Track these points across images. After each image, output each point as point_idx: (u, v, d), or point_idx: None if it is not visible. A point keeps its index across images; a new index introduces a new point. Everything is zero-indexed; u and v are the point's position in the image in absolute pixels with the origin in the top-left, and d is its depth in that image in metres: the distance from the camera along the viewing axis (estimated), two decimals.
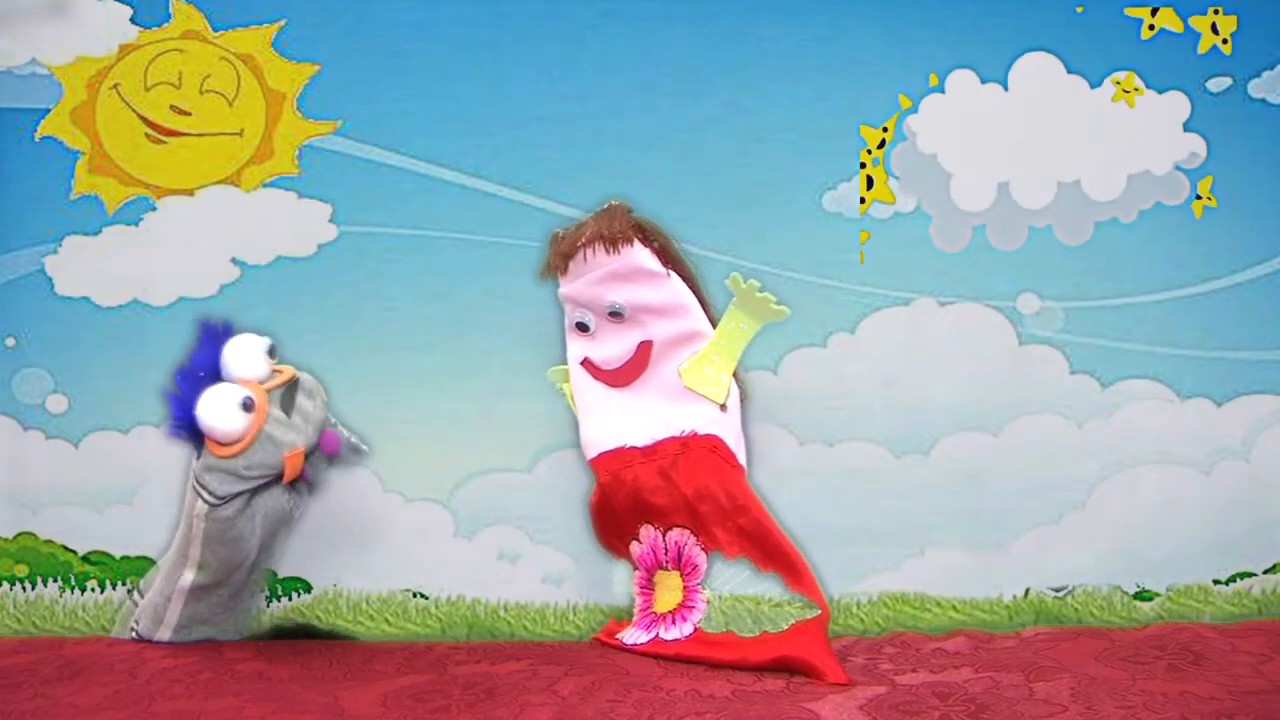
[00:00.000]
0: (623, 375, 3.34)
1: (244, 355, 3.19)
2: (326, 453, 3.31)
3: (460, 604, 3.49)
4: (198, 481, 3.15)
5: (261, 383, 3.16)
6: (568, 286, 3.35)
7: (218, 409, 3.08)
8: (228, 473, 3.12)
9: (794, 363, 3.50)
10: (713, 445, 3.28)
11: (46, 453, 3.49)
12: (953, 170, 3.46)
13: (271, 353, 3.22)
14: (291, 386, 3.22)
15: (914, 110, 3.46)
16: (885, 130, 3.46)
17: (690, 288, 3.36)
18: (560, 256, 3.34)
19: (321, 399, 3.26)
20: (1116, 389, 3.48)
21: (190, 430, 3.11)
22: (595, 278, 3.30)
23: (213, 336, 3.21)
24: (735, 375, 3.33)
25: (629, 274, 3.30)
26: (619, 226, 3.31)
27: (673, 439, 3.29)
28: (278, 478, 3.17)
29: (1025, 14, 3.46)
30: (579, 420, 3.37)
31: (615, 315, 3.31)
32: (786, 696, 2.93)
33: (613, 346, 3.34)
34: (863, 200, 3.47)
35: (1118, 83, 3.44)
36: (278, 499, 3.24)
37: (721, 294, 3.35)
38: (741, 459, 3.32)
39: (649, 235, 3.33)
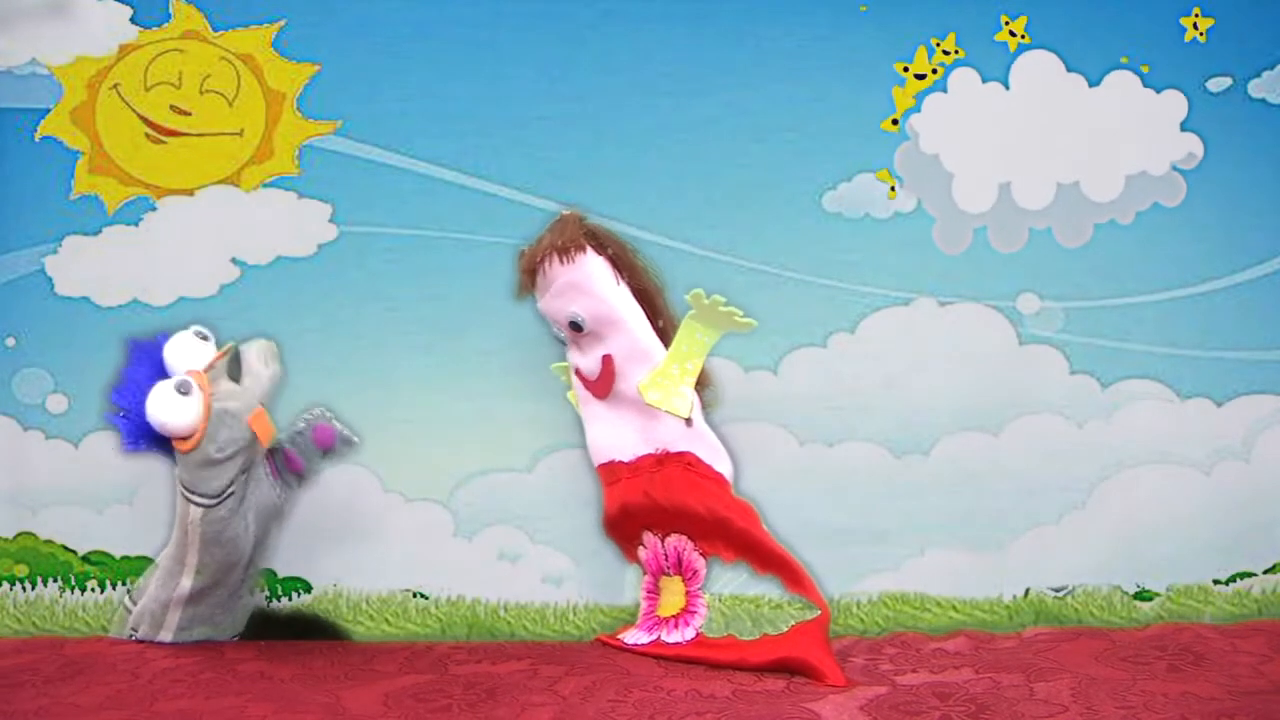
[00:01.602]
0: (598, 387, 3.33)
1: (180, 352, 3.17)
2: (321, 446, 3.32)
3: (460, 604, 3.49)
4: (185, 488, 3.15)
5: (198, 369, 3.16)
6: (540, 303, 3.34)
7: (161, 405, 3.07)
8: (204, 464, 3.11)
9: (794, 363, 3.50)
10: (687, 463, 3.27)
11: (46, 453, 3.49)
12: (954, 171, 3.47)
13: (204, 337, 3.20)
14: (235, 357, 3.19)
15: (917, 109, 3.48)
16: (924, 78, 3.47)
17: (648, 296, 3.33)
18: (525, 274, 3.33)
19: (272, 354, 3.23)
20: (1116, 389, 3.49)
21: (148, 439, 3.11)
22: (555, 290, 3.29)
23: (144, 351, 3.20)
24: (700, 378, 3.32)
25: (583, 283, 3.27)
26: (570, 235, 3.29)
27: (649, 456, 3.29)
28: (255, 451, 3.17)
29: (1025, 13, 3.46)
30: (584, 425, 3.39)
31: (575, 328, 3.29)
32: (787, 696, 2.93)
33: (588, 358, 3.33)
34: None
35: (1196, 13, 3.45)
36: (267, 493, 3.25)
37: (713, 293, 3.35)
38: (721, 465, 3.30)
39: (602, 243, 3.31)
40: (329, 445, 3.32)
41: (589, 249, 3.28)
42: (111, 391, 3.18)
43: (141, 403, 3.09)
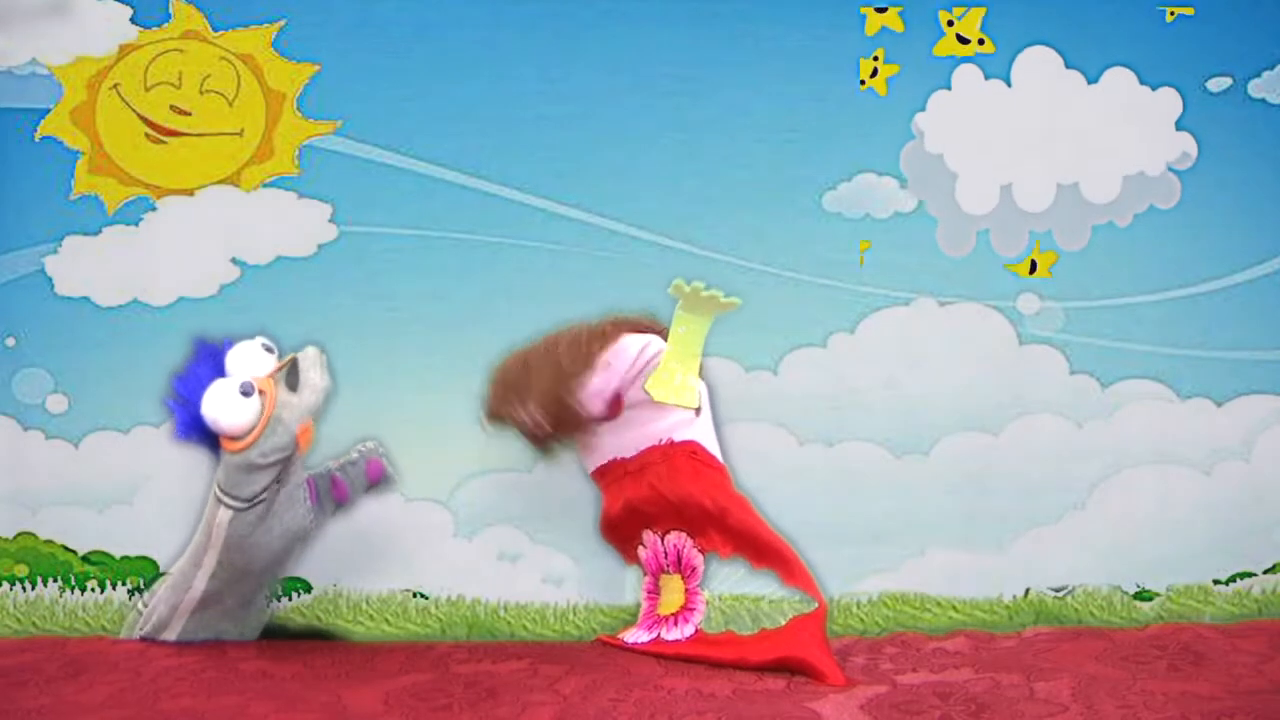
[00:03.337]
0: (608, 414, 3.34)
1: (244, 360, 3.18)
2: (372, 479, 3.33)
3: (460, 604, 3.49)
4: (221, 489, 3.15)
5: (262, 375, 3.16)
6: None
7: (218, 403, 3.09)
8: (246, 467, 3.11)
9: (794, 363, 3.50)
10: (691, 451, 3.28)
11: (46, 453, 3.49)
12: (958, 171, 3.47)
13: (269, 349, 3.21)
14: (293, 367, 3.20)
15: (922, 109, 3.48)
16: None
17: (616, 330, 3.32)
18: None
19: (321, 368, 3.21)
20: (1116, 389, 3.49)
21: (200, 432, 3.12)
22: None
23: (209, 351, 3.21)
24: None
25: (584, 401, 3.26)
26: (533, 406, 3.25)
27: (654, 448, 3.30)
28: (294, 461, 3.16)
29: (1026, 9, 3.47)
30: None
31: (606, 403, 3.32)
32: (788, 695, 2.93)
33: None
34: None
35: None
36: (301, 516, 3.23)
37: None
38: (721, 460, 3.32)
39: (536, 400, 3.26)
40: (378, 480, 3.34)
41: (541, 409, 3.24)
42: (174, 379, 3.18)
43: (200, 396, 3.10)
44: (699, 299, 3.27)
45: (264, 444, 3.10)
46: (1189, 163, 3.48)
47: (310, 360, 3.19)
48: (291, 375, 3.16)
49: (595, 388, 3.25)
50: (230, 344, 3.21)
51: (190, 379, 3.15)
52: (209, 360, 3.18)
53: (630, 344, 3.29)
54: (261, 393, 3.11)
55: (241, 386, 3.09)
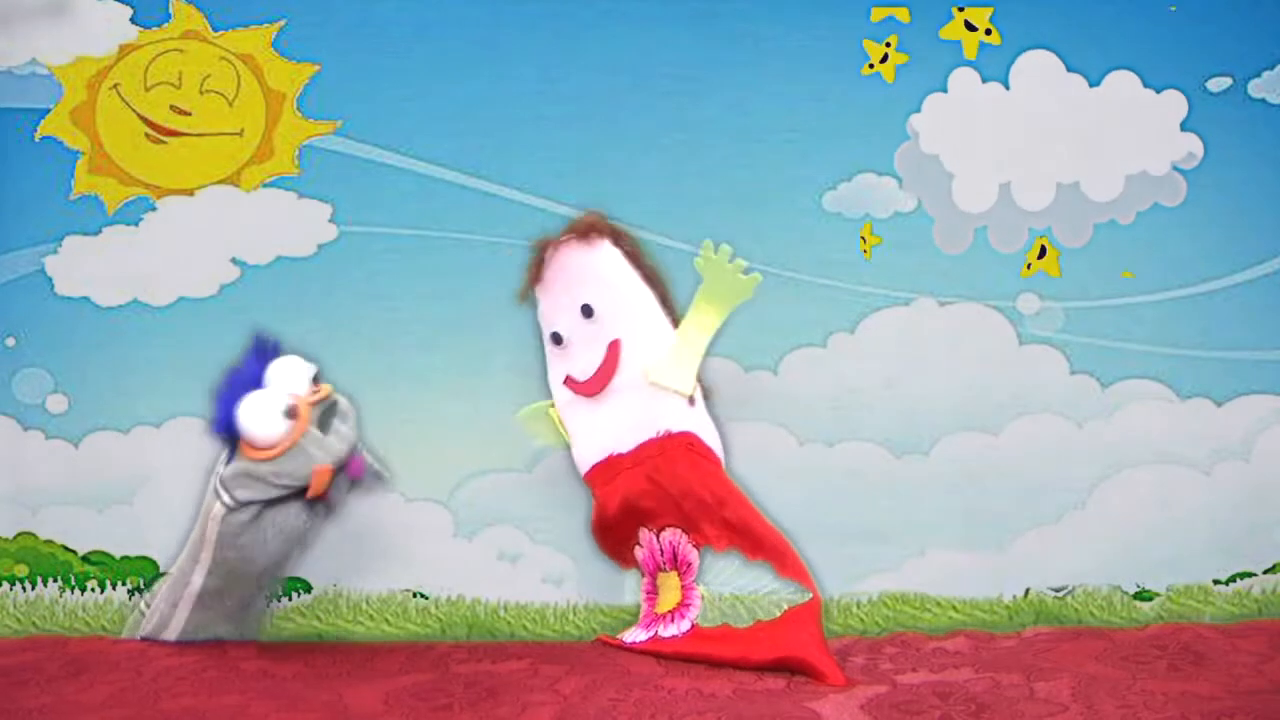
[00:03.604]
0: (598, 381, 3.34)
1: (289, 373, 3.19)
2: (351, 475, 3.31)
3: (460, 604, 3.49)
4: (221, 484, 3.15)
5: (305, 398, 3.16)
6: (548, 294, 3.36)
7: (260, 413, 3.09)
8: (255, 478, 3.11)
9: (794, 363, 3.50)
10: (689, 442, 3.29)
11: (46, 453, 3.48)
12: (955, 171, 3.47)
13: (315, 378, 3.22)
14: (330, 407, 3.21)
15: (920, 110, 3.48)
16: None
17: (661, 295, 3.37)
18: (537, 252, 3.36)
19: (353, 423, 3.24)
20: (1116, 389, 3.49)
21: (229, 431, 3.12)
22: (570, 274, 3.33)
23: (263, 351, 3.21)
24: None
25: (600, 268, 3.32)
26: (591, 221, 3.35)
27: (652, 441, 3.30)
28: (300, 492, 3.16)
29: (1025, 13, 3.46)
30: (570, 443, 3.39)
31: (586, 313, 3.32)
32: (787, 695, 2.93)
33: (586, 356, 3.34)
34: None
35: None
36: (294, 517, 3.22)
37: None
38: (717, 450, 3.33)
39: (621, 237, 3.36)
40: (358, 475, 3.32)
41: (608, 239, 3.31)
42: (227, 373, 3.19)
43: (241, 396, 3.11)
44: (723, 269, 3.28)
45: (281, 464, 3.10)
46: (1194, 163, 3.48)
47: (346, 414, 3.21)
48: (326, 415, 3.17)
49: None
50: (274, 345, 3.22)
51: (240, 378, 3.15)
52: (259, 360, 3.18)
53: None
54: (297, 415, 3.11)
55: (287, 408, 3.10)
